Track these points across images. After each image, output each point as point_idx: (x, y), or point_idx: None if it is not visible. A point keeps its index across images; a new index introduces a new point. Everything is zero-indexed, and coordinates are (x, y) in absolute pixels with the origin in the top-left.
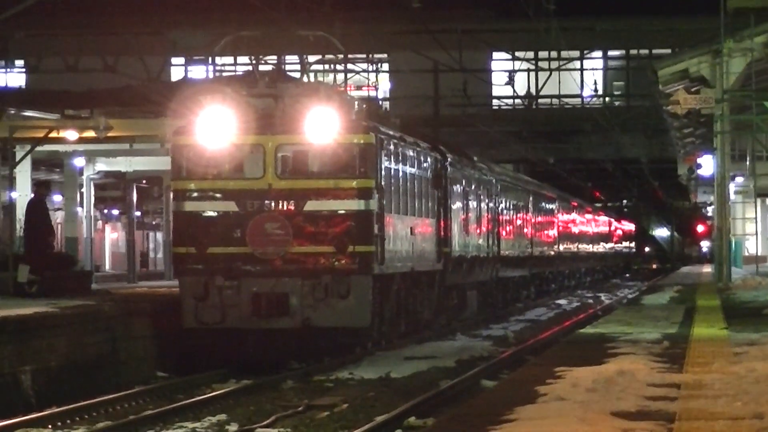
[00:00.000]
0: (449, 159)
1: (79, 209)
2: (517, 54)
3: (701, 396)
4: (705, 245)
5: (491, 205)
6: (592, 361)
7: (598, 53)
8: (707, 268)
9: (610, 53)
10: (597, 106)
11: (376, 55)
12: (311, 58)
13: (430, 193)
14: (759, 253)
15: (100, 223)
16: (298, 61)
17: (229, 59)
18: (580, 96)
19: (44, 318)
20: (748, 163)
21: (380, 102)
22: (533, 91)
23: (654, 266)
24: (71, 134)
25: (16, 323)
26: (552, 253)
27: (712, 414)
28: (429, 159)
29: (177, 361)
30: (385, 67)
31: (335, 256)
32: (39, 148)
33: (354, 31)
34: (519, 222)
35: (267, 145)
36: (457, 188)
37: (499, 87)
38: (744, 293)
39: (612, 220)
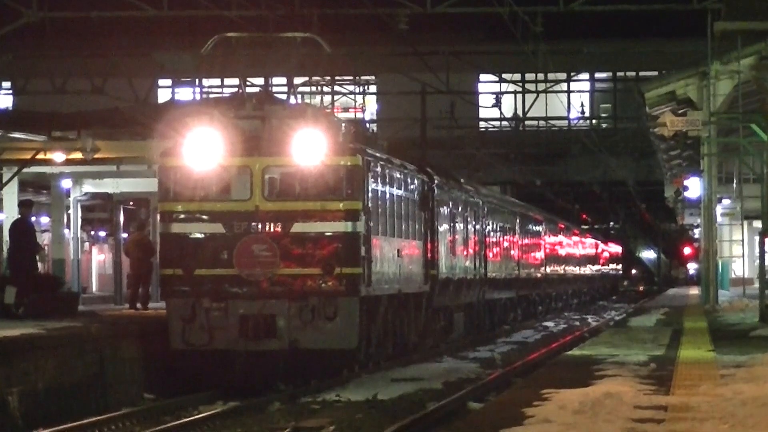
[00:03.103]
0: (436, 181)
1: (66, 231)
2: (504, 76)
3: (688, 418)
4: (692, 267)
5: (478, 227)
6: (579, 383)
7: (585, 75)
8: (694, 291)
9: (597, 75)
10: (584, 128)
11: (364, 77)
12: (298, 80)
13: (417, 215)
14: (746, 276)
15: (87, 244)
16: (286, 82)
17: (216, 81)
18: (567, 118)
19: (31, 340)
20: (735, 185)
21: (367, 124)
22: (520, 113)
23: (641, 288)
24: (58, 156)
25: (3, 345)
26: (539, 275)
27: None
28: (416, 181)
29: (164, 383)
30: (373, 89)
31: (322, 278)
32: (26, 170)
33: (341, 53)
34: (506, 244)
35: (254, 167)
36: (444, 210)
37: (487, 109)
38: (731, 315)
39: (599, 242)
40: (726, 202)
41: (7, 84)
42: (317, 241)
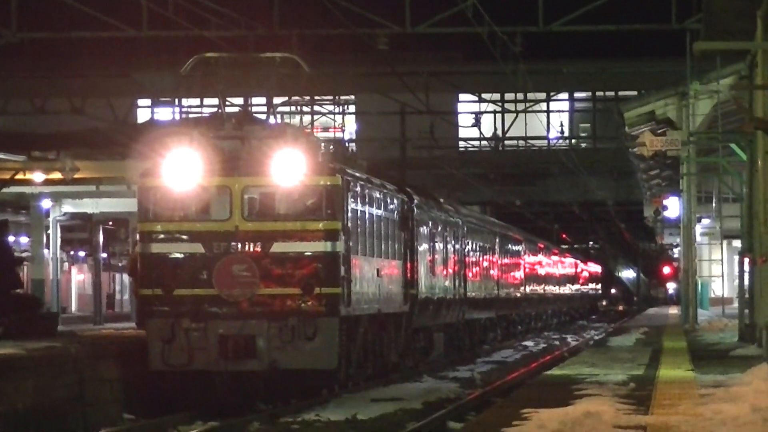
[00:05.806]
0: (416, 201)
1: (45, 251)
2: (483, 96)
3: None
4: (671, 287)
5: (458, 247)
6: (559, 402)
7: (565, 95)
8: (674, 310)
9: (577, 95)
10: (563, 148)
11: (343, 97)
12: (278, 100)
13: (397, 234)
14: (725, 295)
15: (66, 264)
16: (265, 102)
17: (196, 101)
18: (546, 138)
19: (11, 360)
20: (714, 205)
21: (347, 144)
22: (500, 133)
23: (620, 308)
24: (38, 176)
25: None
26: (518, 294)
27: None
28: (395, 201)
29: (144, 404)
30: (352, 108)
31: (302, 298)
32: (5, 190)
33: (321, 73)
34: (486, 264)
35: (234, 187)
36: (424, 230)
37: (466, 129)
38: (710, 335)
39: (578, 262)
40: (705, 221)
41: None
42: (297, 261)
